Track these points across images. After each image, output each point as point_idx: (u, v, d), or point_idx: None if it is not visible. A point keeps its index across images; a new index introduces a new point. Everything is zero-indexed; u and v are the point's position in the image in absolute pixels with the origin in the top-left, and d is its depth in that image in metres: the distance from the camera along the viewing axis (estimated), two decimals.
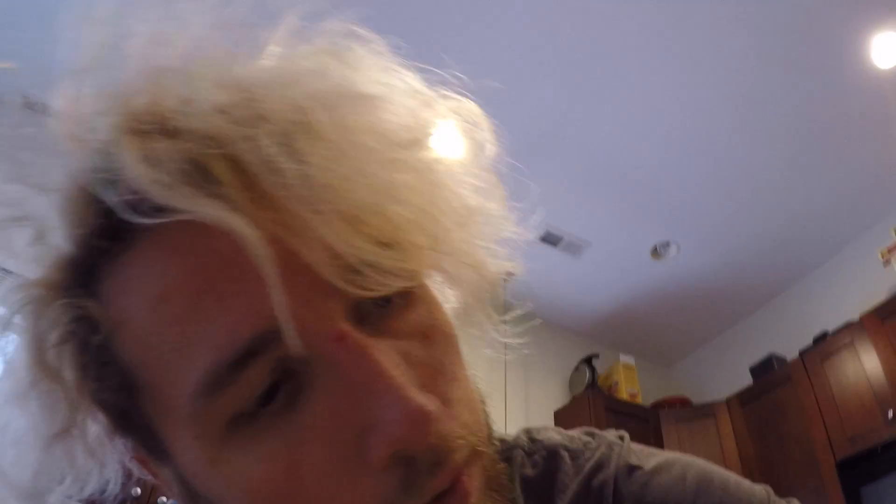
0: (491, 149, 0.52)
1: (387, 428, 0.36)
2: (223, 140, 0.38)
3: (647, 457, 0.62)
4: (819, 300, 4.30)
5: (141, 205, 0.37)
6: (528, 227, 0.55)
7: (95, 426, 0.44)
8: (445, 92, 0.50)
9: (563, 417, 4.53)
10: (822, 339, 3.88)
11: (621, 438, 0.64)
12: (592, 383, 4.55)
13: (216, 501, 0.42)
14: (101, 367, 0.41)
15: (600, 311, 4.80)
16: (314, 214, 0.37)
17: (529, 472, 0.62)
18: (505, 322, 0.56)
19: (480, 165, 0.52)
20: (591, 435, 0.65)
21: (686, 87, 3.33)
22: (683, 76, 3.28)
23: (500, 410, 4.11)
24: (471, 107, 0.51)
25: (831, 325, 3.92)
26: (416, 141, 0.45)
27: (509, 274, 0.53)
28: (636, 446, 0.64)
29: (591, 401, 4.35)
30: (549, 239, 4.19)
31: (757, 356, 4.33)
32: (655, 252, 4.28)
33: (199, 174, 0.37)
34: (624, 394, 4.51)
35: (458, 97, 0.51)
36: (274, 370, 0.38)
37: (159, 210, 0.37)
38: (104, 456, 0.46)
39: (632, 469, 0.60)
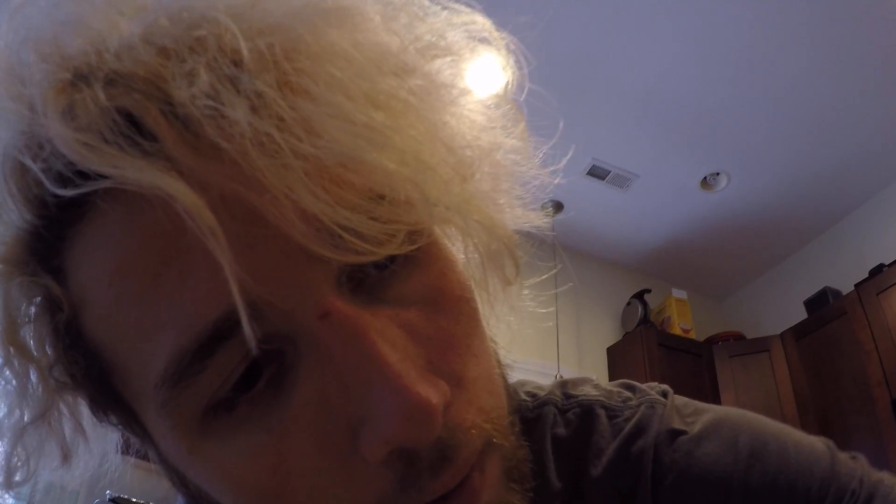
0: (508, 74, 0.43)
1: (381, 424, 0.32)
2: (155, 80, 0.31)
3: (693, 415, 0.54)
4: (875, 231, 4.16)
5: (67, 170, 0.31)
6: (559, 165, 0.46)
7: (84, 406, 0.40)
8: (448, 3, 0.41)
9: (615, 354, 4.54)
10: (878, 271, 3.77)
11: (664, 395, 0.57)
12: (645, 319, 4.51)
13: (203, 488, 0.39)
14: (70, 348, 0.36)
15: (651, 244, 4.74)
16: (274, 168, 0.30)
17: (562, 431, 0.55)
18: (526, 287, 0.48)
19: (494, 95, 0.43)
20: (632, 390, 0.57)
21: (735, 10, 3.18)
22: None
23: (552, 349, 4.13)
24: (481, 21, 0.42)
25: (888, 257, 3.81)
26: (405, 67, 0.36)
27: (535, 226, 0.46)
28: (681, 402, 0.56)
29: (644, 337, 4.33)
30: (596, 172, 4.13)
31: (812, 289, 4.24)
32: (705, 183, 4.18)
33: (132, 127, 0.31)
34: (677, 329, 4.47)
35: (464, 8, 0.41)
36: (250, 352, 0.32)
37: (88, 176, 0.31)
38: (97, 434, 0.42)
39: (674, 434, 0.52)
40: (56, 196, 0.32)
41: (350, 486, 0.34)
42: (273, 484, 0.34)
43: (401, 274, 0.36)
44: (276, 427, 0.34)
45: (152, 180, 0.30)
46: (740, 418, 0.54)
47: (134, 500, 2.43)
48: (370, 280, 0.35)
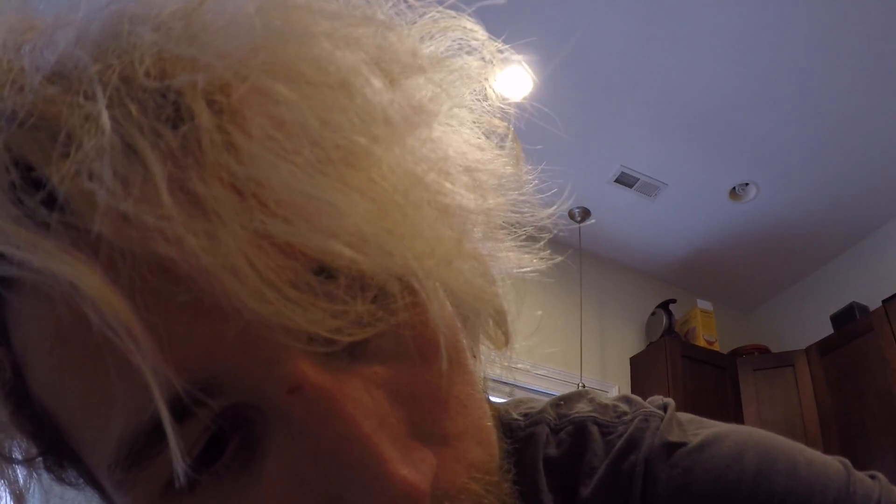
0: (504, 91, 0.37)
1: None
2: (53, 120, 0.26)
3: (697, 429, 0.49)
4: None
5: None
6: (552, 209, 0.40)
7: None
8: (430, 7, 0.35)
9: (638, 364, 4.49)
10: None
11: (664, 408, 0.52)
12: (669, 329, 4.46)
13: None
14: (16, 413, 0.33)
15: (677, 254, 4.70)
16: (206, 242, 0.25)
17: (553, 452, 0.51)
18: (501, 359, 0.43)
19: (486, 116, 0.37)
20: (629, 403, 0.53)
21: (766, 19, 3.14)
22: (762, 6, 3.09)
23: (575, 357, 4.11)
24: (468, 26, 0.36)
25: None
26: (366, 100, 0.30)
27: (530, 272, 0.41)
28: (683, 417, 0.51)
29: (668, 347, 4.27)
30: (624, 180, 4.10)
31: (838, 304, 4.16)
32: (734, 193, 4.14)
33: (27, 182, 0.26)
34: (701, 340, 4.41)
35: (449, 12, 0.35)
36: (211, 426, 0.29)
37: None
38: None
39: (672, 448, 0.47)
40: None
41: None
42: None
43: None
44: (244, 503, 0.30)
45: (46, 267, 0.25)
46: (747, 434, 0.49)
47: None
48: None
